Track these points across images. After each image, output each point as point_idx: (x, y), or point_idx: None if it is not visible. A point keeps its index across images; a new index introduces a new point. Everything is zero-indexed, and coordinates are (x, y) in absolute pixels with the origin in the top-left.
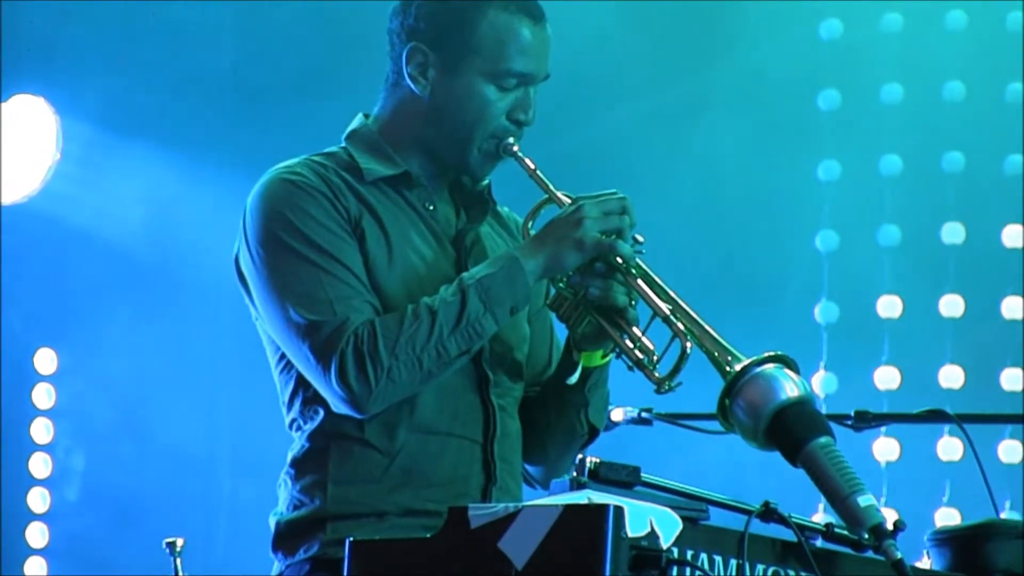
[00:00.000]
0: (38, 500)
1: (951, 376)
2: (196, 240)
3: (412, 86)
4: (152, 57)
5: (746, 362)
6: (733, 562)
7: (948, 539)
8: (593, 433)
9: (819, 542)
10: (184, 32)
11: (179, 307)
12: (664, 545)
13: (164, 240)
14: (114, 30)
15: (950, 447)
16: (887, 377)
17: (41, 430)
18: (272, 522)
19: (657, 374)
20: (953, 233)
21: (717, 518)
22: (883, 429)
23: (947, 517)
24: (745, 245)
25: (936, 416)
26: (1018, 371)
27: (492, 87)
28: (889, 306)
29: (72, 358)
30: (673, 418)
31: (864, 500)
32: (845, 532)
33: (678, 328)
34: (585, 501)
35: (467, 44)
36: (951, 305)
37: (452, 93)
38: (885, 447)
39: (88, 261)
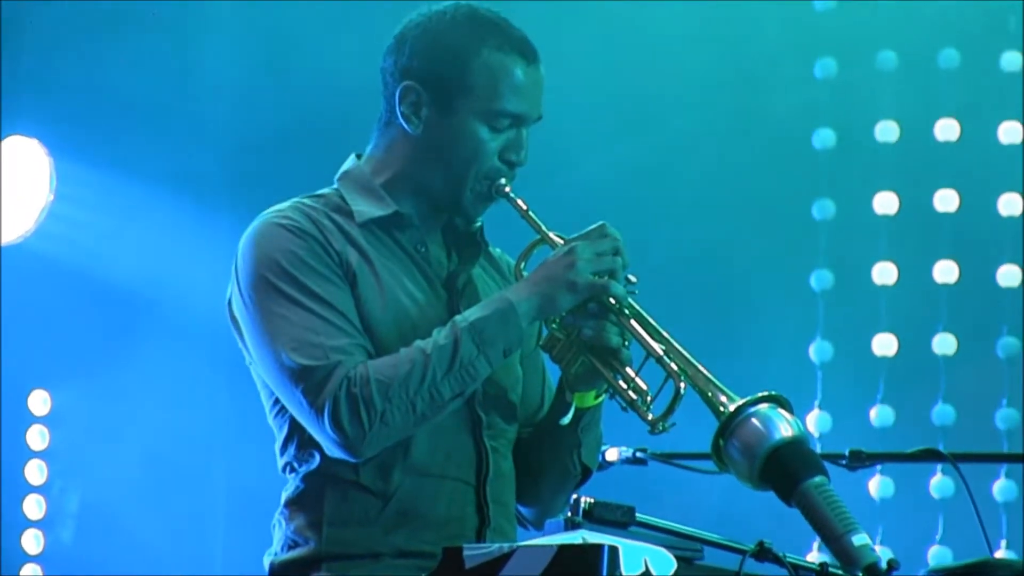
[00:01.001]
0: (32, 542)
1: (945, 414)
2: (191, 282)
3: (405, 125)
4: (148, 98)
5: (740, 402)
6: None
7: None
8: (586, 473)
9: None
10: (184, 74)
11: (174, 349)
12: None
13: (158, 282)
14: (110, 70)
15: (943, 485)
16: (882, 415)
17: (35, 471)
18: (266, 562)
19: (651, 415)
20: (947, 272)
21: (712, 558)
22: (878, 467)
23: (941, 556)
24: (740, 283)
25: (930, 455)
26: (1013, 411)
27: (485, 127)
28: (885, 345)
29: (66, 400)
30: (667, 458)
31: (858, 539)
32: (840, 572)
33: (672, 368)
34: (580, 541)
35: (461, 83)
36: (945, 344)
37: (445, 132)
38: (880, 485)
39: (82, 302)
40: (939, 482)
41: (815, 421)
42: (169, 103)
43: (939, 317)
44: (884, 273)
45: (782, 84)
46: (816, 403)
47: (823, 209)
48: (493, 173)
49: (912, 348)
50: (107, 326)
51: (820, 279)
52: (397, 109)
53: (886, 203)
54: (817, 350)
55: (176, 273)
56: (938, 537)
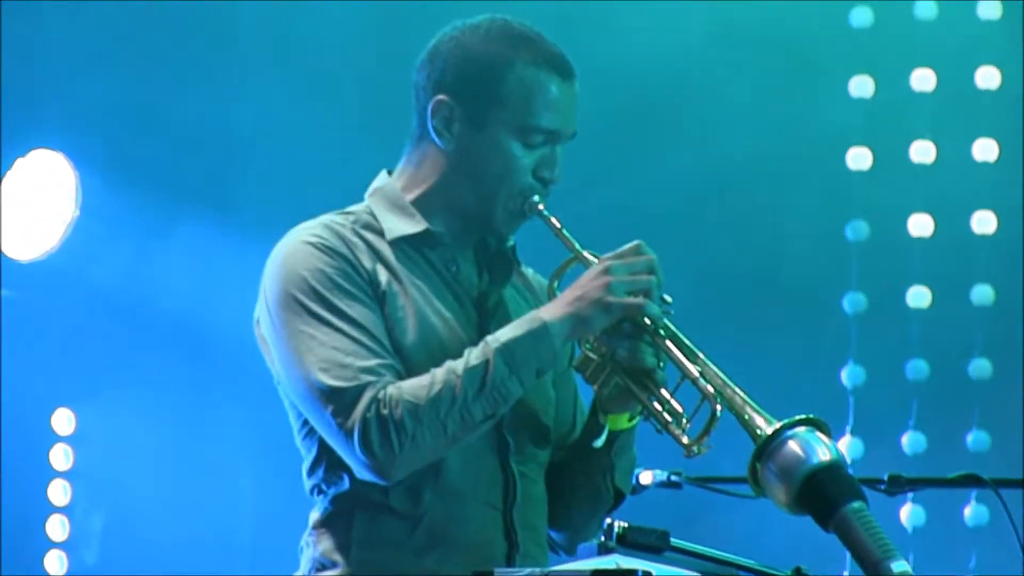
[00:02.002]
0: (55, 563)
1: (980, 441)
2: (218, 301)
3: (437, 140)
4: (177, 114)
5: (777, 425)
6: None
7: None
8: (619, 498)
9: None
10: (215, 90)
11: (201, 368)
12: None
13: (184, 300)
14: (137, 84)
15: (978, 513)
16: (915, 441)
17: (59, 492)
18: None
19: (686, 437)
20: (983, 296)
21: None
22: (911, 495)
23: None
24: (772, 305)
25: (970, 481)
26: None
27: (518, 143)
28: (918, 369)
29: (91, 419)
30: (703, 482)
31: (898, 567)
32: None
33: (707, 390)
34: (613, 566)
35: (494, 98)
36: (980, 368)
37: (477, 148)
38: (911, 513)
39: (107, 320)
40: (974, 510)
41: (847, 447)
42: (199, 119)
43: (974, 341)
44: (918, 296)
45: (816, 102)
46: (848, 428)
47: (857, 230)
48: (526, 190)
49: (946, 373)
50: (132, 344)
51: (853, 302)
52: (429, 124)
53: (921, 225)
54: (849, 374)
55: (203, 291)
56: (972, 567)
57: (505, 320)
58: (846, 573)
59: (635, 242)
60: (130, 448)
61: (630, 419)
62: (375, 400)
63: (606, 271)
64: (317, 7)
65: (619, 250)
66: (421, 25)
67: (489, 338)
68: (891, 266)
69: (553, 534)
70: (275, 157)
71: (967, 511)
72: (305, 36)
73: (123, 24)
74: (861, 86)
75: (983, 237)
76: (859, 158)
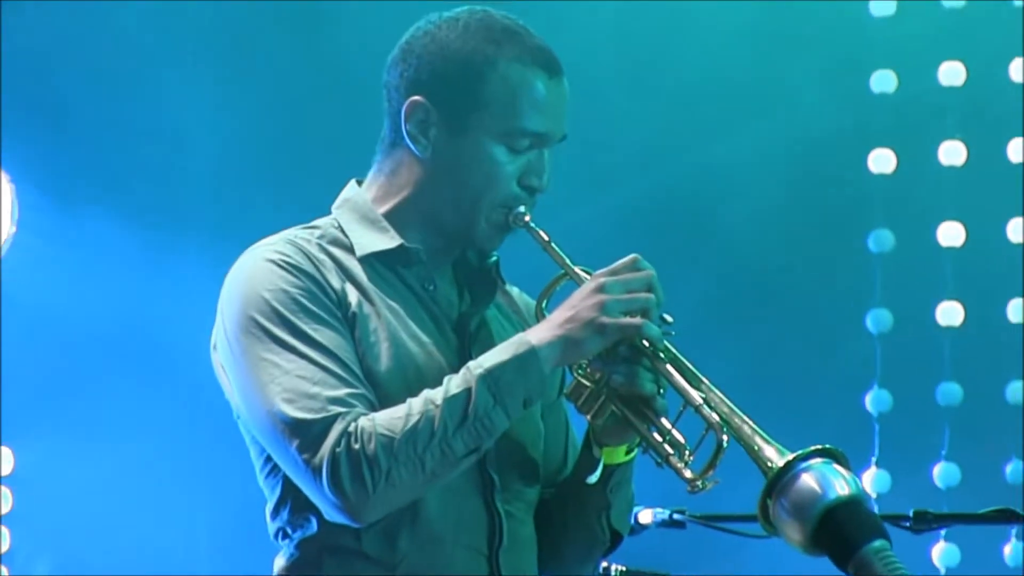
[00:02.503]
0: None
1: (1019, 472)
2: (169, 325)
3: (411, 146)
4: (121, 123)
5: (790, 457)
6: None
7: None
8: (616, 539)
9: None
10: (158, 97)
11: (150, 400)
12: None
13: (133, 325)
14: (76, 91)
15: (1018, 552)
16: (947, 473)
17: None
18: None
19: (689, 471)
20: (1020, 312)
21: None
22: (943, 532)
23: None
24: (787, 324)
25: (1007, 517)
26: None
27: (502, 148)
28: (950, 394)
29: (30, 458)
30: (708, 520)
31: None
32: None
33: (713, 419)
34: None
35: (475, 99)
36: (1019, 392)
37: (457, 154)
38: (944, 552)
39: (47, 347)
40: (1014, 548)
41: (872, 479)
42: (143, 128)
43: (1012, 363)
44: (949, 313)
45: (834, 99)
46: (873, 459)
47: (881, 241)
48: (511, 200)
49: (981, 397)
50: (75, 374)
51: (877, 319)
52: (403, 128)
53: (951, 234)
54: (874, 400)
55: (153, 315)
56: None
57: (488, 344)
58: None
59: (631, 256)
60: (74, 489)
61: (628, 452)
62: (345, 433)
63: (600, 289)
64: (268, 8)
65: (614, 265)
66: (383, 29)
67: (471, 364)
68: (919, 279)
69: None
70: (230, 167)
71: (1007, 550)
72: (262, 43)
73: (62, 29)
74: (883, 81)
75: (1020, 246)
76: (882, 160)
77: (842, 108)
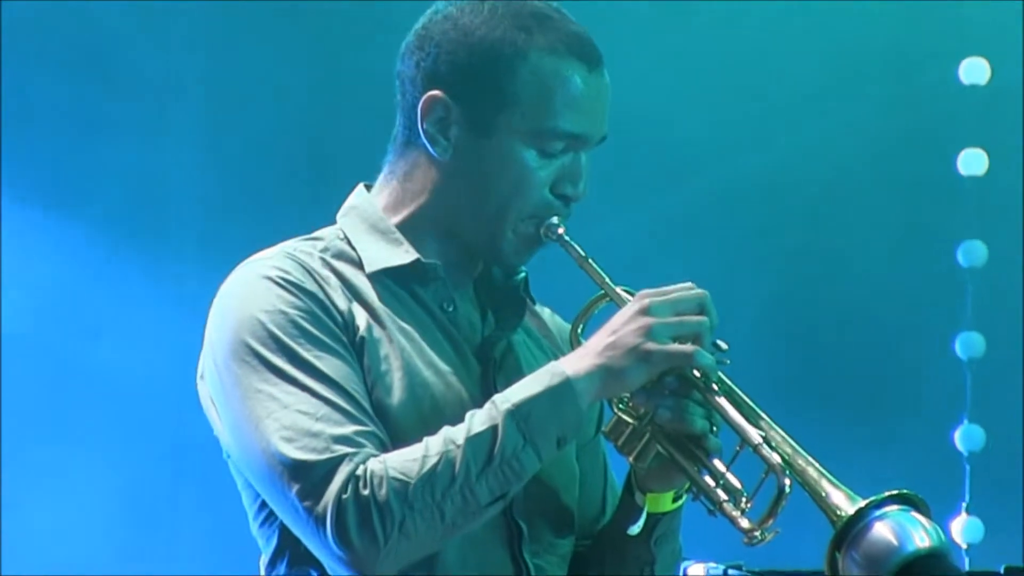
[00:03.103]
0: None
1: None
2: (148, 352)
3: (428, 147)
4: (93, 116)
5: (862, 503)
6: None
7: None
8: None
9: None
10: (139, 91)
11: (131, 435)
12: None
13: (105, 351)
14: (41, 87)
15: None
16: None
17: None
18: None
19: (746, 520)
20: None
21: None
22: None
23: None
24: (862, 351)
25: None
26: None
27: (533, 151)
28: None
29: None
30: None
31: None
32: None
33: (773, 460)
34: None
35: (502, 95)
36: None
37: (481, 158)
38: None
39: (15, 373)
40: None
41: (961, 528)
42: (124, 124)
43: None
44: None
45: (918, 92)
46: (963, 505)
47: (971, 254)
48: (542, 210)
49: None
50: (50, 403)
51: (967, 343)
52: (419, 126)
53: None
54: (964, 436)
55: (129, 341)
56: None
57: (516, 374)
58: None
59: (685, 283)
60: (40, 543)
61: (675, 499)
62: (353, 477)
63: (645, 311)
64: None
65: (663, 288)
66: (381, 22)
67: (497, 398)
68: (1014, 298)
69: None
70: (220, 167)
71: None
72: (252, 35)
73: (40, 43)
74: (973, 71)
75: None
76: (973, 161)
77: (927, 102)
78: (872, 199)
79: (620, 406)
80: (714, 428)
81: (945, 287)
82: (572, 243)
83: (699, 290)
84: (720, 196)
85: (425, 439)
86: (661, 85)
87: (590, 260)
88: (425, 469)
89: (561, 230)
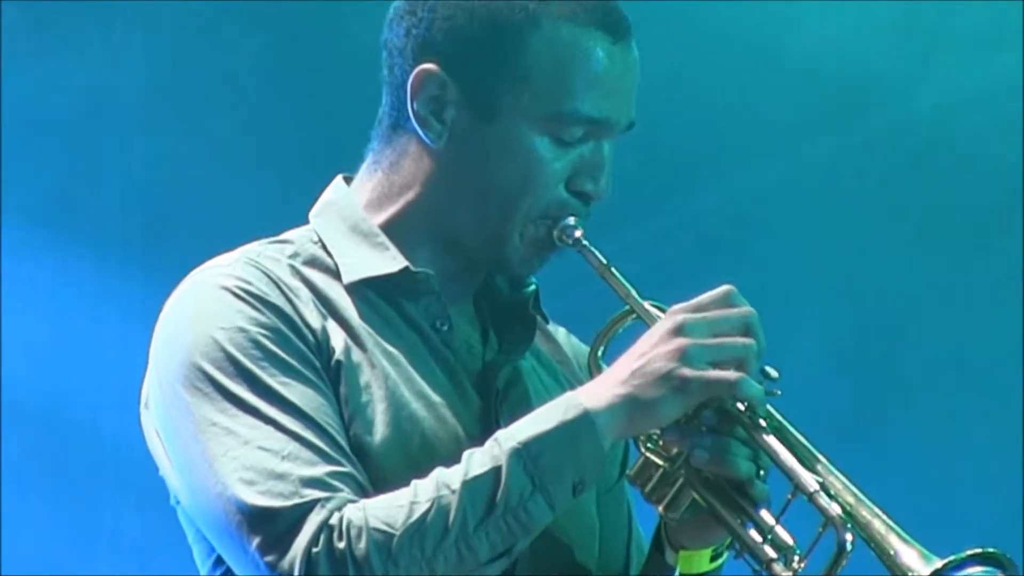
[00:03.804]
0: None
1: None
2: (83, 376)
3: (420, 132)
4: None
5: (939, 564)
6: None
7: None
8: None
9: None
10: (74, 71)
11: (58, 474)
12: None
13: (32, 373)
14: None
15: None
16: None
17: None
18: None
19: None
20: None
21: None
22: None
23: None
24: (929, 376)
25: None
26: None
27: (546, 139)
28: None
29: None
30: None
31: None
32: None
33: (832, 511)
34: None
35: (509, 70)
36: None
37: (482, 145)
38: None
39: None
40: None
41: None
42: (57, 117)
43: None
44: None
45: (984, 74)
46: None
47: None
48: (556, 209)
49: None
50: None
51: None
52: (409, 107)
53: None
54: None
55: (61, 361)
56: None
57: (523, 407)
58: None
59: (723, 288)
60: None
61: (713, 557)
62: (326, 527)
63: (678, 330)
64: None
65: (699, 299)
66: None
67: (501, 434)
68: None
69: None
70: (164, 162)
71: None
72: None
73: None
74: None
75: None
76: None
77: (993, 84)
78: (933, 199)
79: (649, 445)
80: (761, 472)
81: (1015, 307)
82: (592, 249)
83: (744, 306)
84: (768, 195)
85: (414, 482)
86: (703, 64)
87: (613, 269)
88: (413, 518)
89: (579, 233)
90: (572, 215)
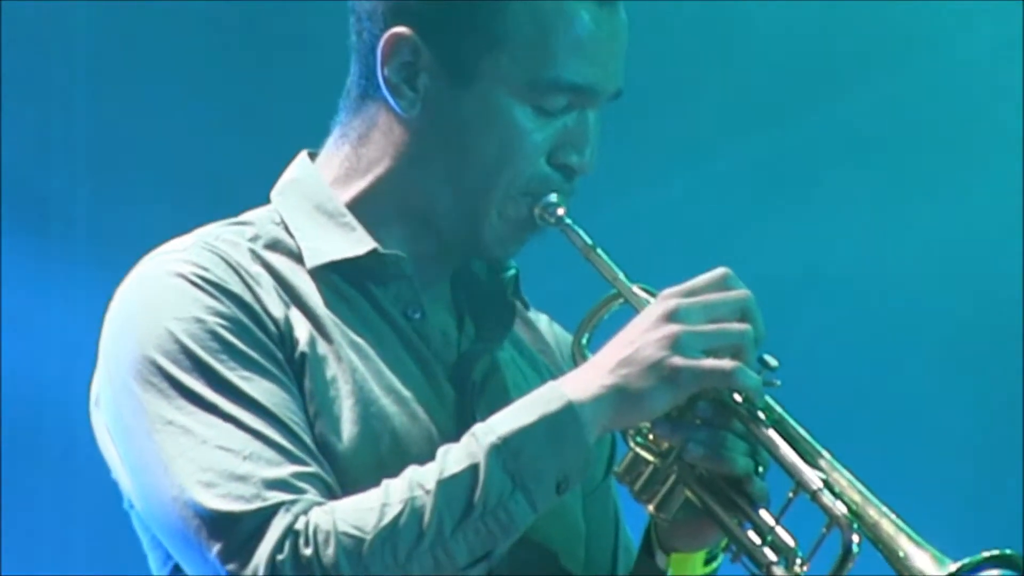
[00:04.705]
0: None
1: None
2: (30, 369)
3: (391, 100)
4: None
5: (952, 568)
6: None
7: None
8: None
9: None
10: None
11: (13, 477)
12: None
13: None
14: None
15: None
16: None
17: None
18: None
19: None
20: None
21: None
22: None
23: None
24: (936, 370)
25: None
26: None
27: (527, 108)
28: None
29: None
30: None
31: None
32: None
33: (837, 511)
34: None
35: (487, 34)
36: None
37: (458, 115)
38: None
39: None
40: None
41: None
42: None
43: None
44: None
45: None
46: None
47: None
48: (538, 184)
49: None
50: None
51: None
52: (379, 73)
53: None
54: None
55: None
56: None
57: (502, 400)
58: None
59: (718, 270)
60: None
61: (708, 560)
62: (291, 532)
63: (670, 316)
64: None
65: (692, 282)
66: None
67: (478, 429)
68: None
69: None
70: (113, 139)
71: None
72: None
73: None
74: None
75: None
76: None
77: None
78: (954, 183)
79: (638, 440)
80: (760, 468)
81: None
82: (575, 228)
83: (740, 289)
84: (759, 172)
85: (385, 482)
86: (690, 32)
87: (598, 250)
88: (385, 522)
89: (561, 211)
90: (555, 191)
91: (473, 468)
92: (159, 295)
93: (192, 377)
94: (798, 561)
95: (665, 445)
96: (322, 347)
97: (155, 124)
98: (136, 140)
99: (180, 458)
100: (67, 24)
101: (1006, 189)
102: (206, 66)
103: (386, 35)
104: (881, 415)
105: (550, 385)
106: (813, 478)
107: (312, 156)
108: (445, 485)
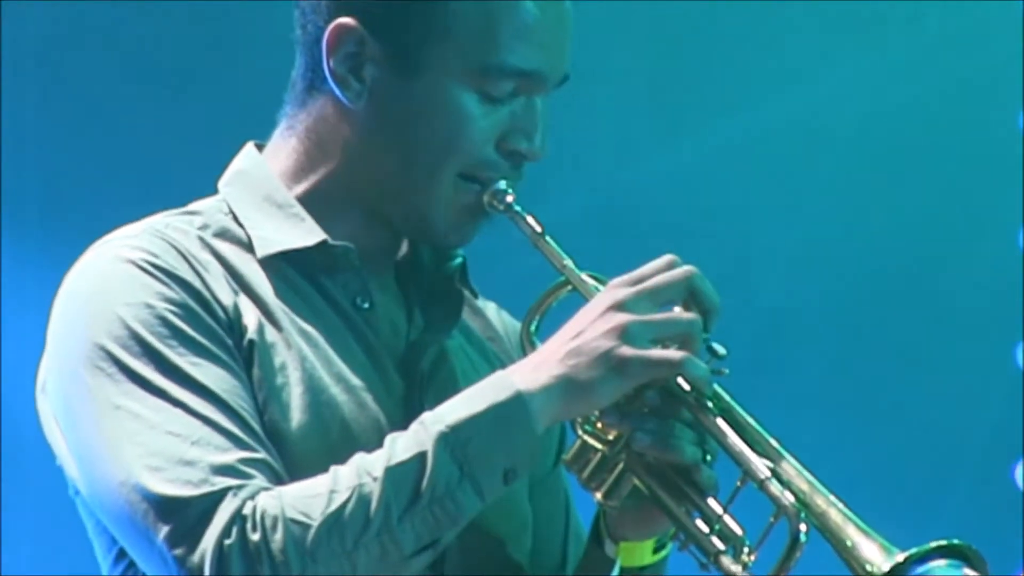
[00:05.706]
0: None
1: None
2: None
3: (338, 91)
4: None
5: (899, 557)
6: None
7: None
8: None
9: None
10: None
11: None
12: None
13: None
14: None
15: None
16: None
17: None
18: None
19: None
20: None
21: None
22: None
23: None
24: (899, 361)
25: None
26: None
27: (474, 95)
28: None
29: None
30: None
31: None
32: None
33: (785, 500)
34: None
35: (433, 23)
36: None
37: (404, 105)
38: None
39: None
40: None
41: None
42: None
43: None
44: None
45: (978, 32)
46: None
47: None
48: (486, 171)
49: None
50: None
51: None
52: (325, 65)
53: None
54: None
55: None
56: None
57: (450, 389)
58: None
59: (665, 257)
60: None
61: (657, 549)
62: (239, 518)
63: (618, 305)
64: None
65: (639, 270)
66: None
67: (427, 417)
68: None
69: None
70: (64, 122)
71: None
72: None
73: None
74: None
75: None
76: None
77: (990, 47)
78: (912, 169)
79: (586, 428)
80: (708, 457)
81: (1005, 282)
82: (524, 215)
83: (689, 272)
84: (727, 157)
85: (333, 469)
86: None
87: (547, 237)
88: (332, 508)
89: (511, 198)
90: (504, 178)
91: (421, 456)
92: (108, 281)
93: (141, 362)
94: (746, 550)
95: (613, 433)
96: (271, 334)
97: (106, 119)
98: (85, 131)
99: (128, 443)
100: (16, 18)
101: (1000, 164)
102: (158, 60)
103: (331, 26)
104: (833, 402)
105: (499, 374)
106: (761, 467)
107: (259, 147)
108: (393, 472)
